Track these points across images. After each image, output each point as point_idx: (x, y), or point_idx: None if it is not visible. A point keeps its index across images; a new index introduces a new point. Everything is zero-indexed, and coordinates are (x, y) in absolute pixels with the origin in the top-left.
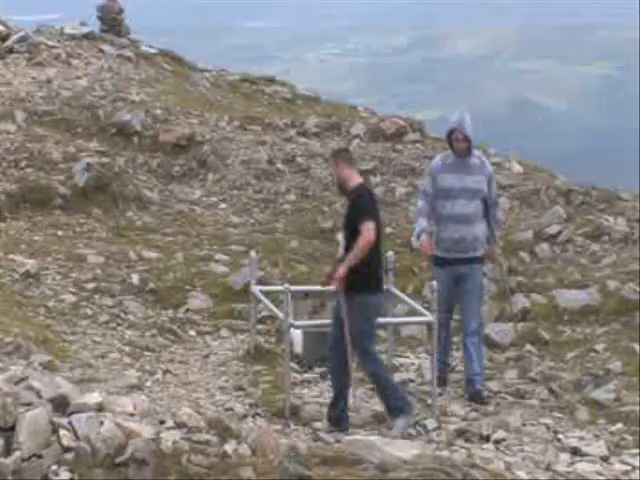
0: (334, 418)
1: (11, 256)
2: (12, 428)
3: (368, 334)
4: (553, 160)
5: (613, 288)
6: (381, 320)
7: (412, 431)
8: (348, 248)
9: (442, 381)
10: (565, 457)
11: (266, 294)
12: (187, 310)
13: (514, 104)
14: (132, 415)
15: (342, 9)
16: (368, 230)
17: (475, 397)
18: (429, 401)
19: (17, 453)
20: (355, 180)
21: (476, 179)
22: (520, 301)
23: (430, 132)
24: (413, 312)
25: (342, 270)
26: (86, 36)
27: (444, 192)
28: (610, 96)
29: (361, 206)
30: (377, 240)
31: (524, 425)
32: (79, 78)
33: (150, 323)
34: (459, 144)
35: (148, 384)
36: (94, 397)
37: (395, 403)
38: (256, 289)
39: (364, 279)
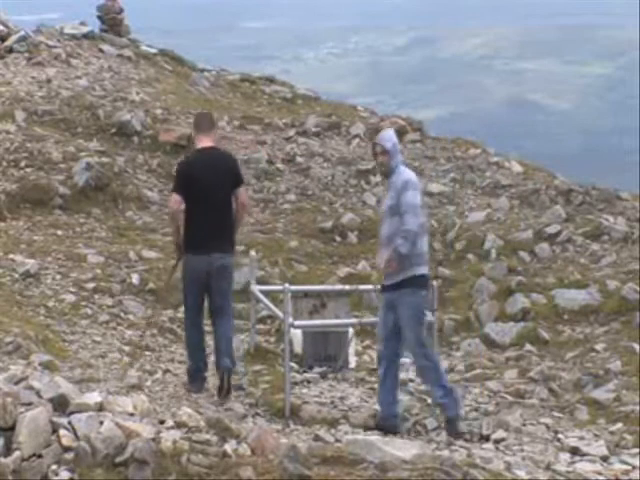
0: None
1: (11, 256)
2: (12, 428)
3: (185, 294)
4: (553, 160)
5: (613, 288)
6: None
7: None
8: None
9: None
10: (565, 457)
11: (266, 294)
12: None
13: (514, 104)
14: (132, 415)
15: (342, 9)
16: (170, 201)
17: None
18: (429, 401)
19: (17, 453)
20: (197, 145)
21: (390, 196)
22: (520, 301)
23: (430, 132)
24: None
25: None
26: (86, 36)
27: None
28: (610, 96)
29: (175, 175)
30: (193, 206)
31: (524, 425)
32: (79, 78)
33: (150, 323)
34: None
35: (148, 384)
36: (94, 397)
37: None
38: (256, 289)
39: (185, 242)
